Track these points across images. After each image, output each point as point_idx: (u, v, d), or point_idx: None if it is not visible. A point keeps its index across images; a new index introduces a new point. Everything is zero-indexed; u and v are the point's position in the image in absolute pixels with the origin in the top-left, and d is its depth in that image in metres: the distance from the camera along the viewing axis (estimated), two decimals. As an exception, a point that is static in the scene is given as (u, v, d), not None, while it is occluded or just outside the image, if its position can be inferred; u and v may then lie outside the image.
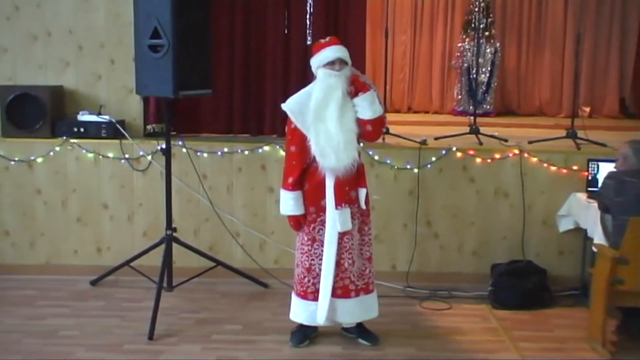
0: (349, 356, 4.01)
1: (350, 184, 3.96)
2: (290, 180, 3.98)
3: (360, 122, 3.93)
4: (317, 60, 3.94)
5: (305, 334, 4.16)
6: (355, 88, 3.93)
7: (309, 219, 4.02)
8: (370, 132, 3.98)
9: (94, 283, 5.10)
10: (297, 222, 4.05)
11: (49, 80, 5.31)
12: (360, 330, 4.19)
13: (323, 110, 3.85)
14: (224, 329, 4.37)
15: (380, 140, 5.33)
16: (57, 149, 5.17)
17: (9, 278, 5.17)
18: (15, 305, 4.69)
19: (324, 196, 3.96)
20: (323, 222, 3.99)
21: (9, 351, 3.97)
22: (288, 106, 3.97)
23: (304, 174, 3.98)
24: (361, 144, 4.05)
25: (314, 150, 3.87)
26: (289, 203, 4.00)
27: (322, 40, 4.02)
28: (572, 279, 5.09)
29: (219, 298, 4.90)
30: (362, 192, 4.05)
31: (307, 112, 3.89)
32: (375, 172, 5.13)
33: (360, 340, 4.17)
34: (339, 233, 3.96)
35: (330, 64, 3.89)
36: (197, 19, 4.51)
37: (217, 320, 4.50)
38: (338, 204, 3.94)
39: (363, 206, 4.06)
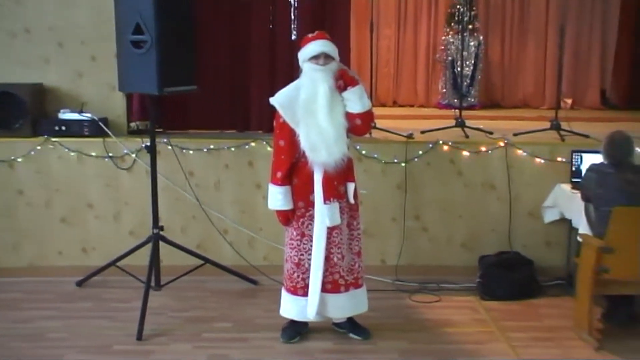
0: (341, 351, 4.01)
1: (338, 179, 3.95)
2: (278, 174, 3.96)
3: (349, 116, 3.91)
4: (302, 54, 3.93)
5: (296, 330, 4.15)
6: (343, 82, 3.93)
7: (297, 214, 4.00)
8: (359, 126, 3.97)
9: (80, 284, 5.04)
10: (286, 217, 4.03)
11: (28, 78, 5.22)
12: (352, 324, 4.19)
13: (312, 105, 3.83)
14: (214, 327, 4.34)
15: (367, 135, 5.32)
16: (39, 148, 5.10)
17: (-8, 281, 5.11)
18: (0, 308, 4.62)
19: (312, 191, 3.95)
20: (312, 217, 3.97)
21: (-4, 355, 3.93)
22: (277, 100, 3.94)
23: (292, 169, 3.96)
24: (349, 139, 4.02)
25: (304, 145, 3.85)
26: (277, 198, 3.98)
27: (310, 35, 3.99)
28: (559, 269, 5.13)
29: (209, 296, 4.87)
30: (351, 187, 4.04)
31: (295, 106, 3.87)
32: (363, 166, 5.12)
33: (352, 335, 4.16)
34: (328, 228, 3.94)
35: (315, 58, 3.86)
36: (181, 13, 4.46)
37: (207, 318, 4.47)
38: (326, 198, 3.92)
39: (352, 201, 4.05)
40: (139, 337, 4.13)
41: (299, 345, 4.08)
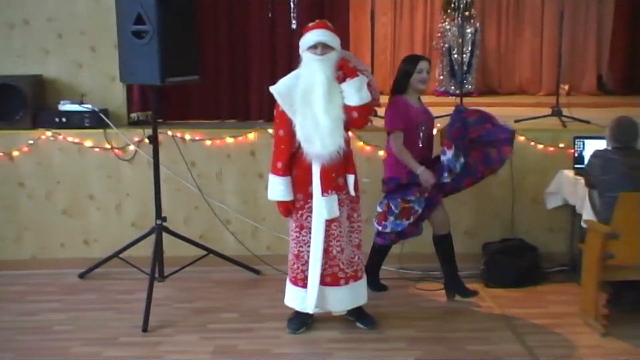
0: (348, 340, 4.00)
1: (337, 171, 3.90)
2: (279, 165, 3.92)
3: (346, 109, 3.83)
4: (302, 43, 3.88)
5: (302, 320, 4.14)
6: (343, 73, 3.86)
7: (297, 206, 3.97)
8: (356, 119, 3.87)
9: (82, 276, 5.02)
10: (287, 208, 4.00)
11: (28, 69, 5.18)
12: (358, 313, 4.18)
13: (309, 95, 3.77)
14: (220, 317, 4.33)
15: (369, 123, 5.31)
16: (39, 140, 5.06)
17: (-5, 274, 5.08)
18: (4, 301, 4.60)
19: (311, 182, 3.91)
20: (311, 209, 3.94)
21: (2, 349, 3.89)
22: (276, 89, 3.89)
23: (292, 159, 3.92)
24: (349, 132, 3.98)
25: (299, 135, 3.80)
26: (278, 189, 3.94)
27: (310, 24, 3.95)
28: (562, 255, 5.15)
29: (213, 287, 4.86)
30: (351, 179, 4.00)
31: (294, 95, 3.82)
32: (365, 155, 5.11)
33: (359, 324, 4.16)
34: (327, 220, 3.91)
35: (313, 48, 3.81)
36: (182, 3, 4.42)
37: (212, 309, 4.46)
38: (324, 190, 3.88)
39: (352, 193, 4.01)
40: (145, 328, 4.12)
41: (306, 335, 4.08)
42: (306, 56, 3.84)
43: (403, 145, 4.33)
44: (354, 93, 3.81)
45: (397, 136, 4.35)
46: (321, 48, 3.80)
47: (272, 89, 3.90)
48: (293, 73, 3.95)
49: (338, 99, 3.81)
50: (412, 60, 4.44)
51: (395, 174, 4.38)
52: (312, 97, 3.78)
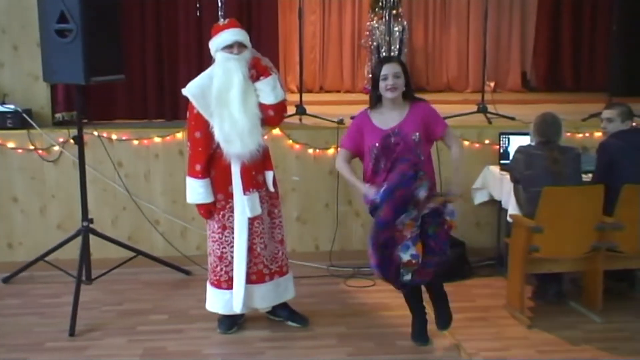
0: (279, 339, 4.01)
1: (256, 168, 3.90)
2: (197, 167, 3.87)
3: (262, 107, 3.84)
4: (215, 43, 3.84)
5: (232, 320, 4.11)
6: (256, 72, 3.85)
7: (218, 207, 3.94)
8: (272, 117, 3.89)
9: (6, 280, 4.87)
10: (208, 210, 3.97)
11: (-55, 69, 5.00)
12: (289, 312, 4.19)
13: (225, 95, 3.75)
14: (149, 319, 4.28)
15: (297, 121, 5.35)
16: (-41, 141, 4.89)
17: None
18: None
19: (230, 182, 3.89)
20: (232, 209, 3.92)
21: None
22: (189, 90, 3.84)
23: (209, 160, 3.89)
24: (264, 129, 3.97)
25: (218, 136, 3.78)
26: (198, 191, 3.90)
27: (221, 22, 3.92)
28: (489, 250, 5.28)
29: (142, 288, 4.79)
30: (269, 175, 4.00)
31: (209, 96, 3.78)
32: (295, 153, 5.12)
33: (290, 323, 4.17)
34: (249, 218, 3.90)
35: (229, 48, 3.78)
36: (107, 1, 4.34)
37: (141, 311, 4.40)
38: (246, 189, 3.88)
39: (271, 189, 4.01)
40: (72, 332, 4.03)
41: (237, 335, 4.06)
42: (221, 56, 3.80)
43: (343, 162, 3.84)
44: (270, 91, 3.83)
45: (339, 153, 4.00)
46: (237, 47, 3.79)
47: (185, 91, 3.84)
48: (205, 74, 3.89)
49: (253, 97, 3.82)
50: (377, 65, 3.84)
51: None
52: (229, 97, 3.75)
